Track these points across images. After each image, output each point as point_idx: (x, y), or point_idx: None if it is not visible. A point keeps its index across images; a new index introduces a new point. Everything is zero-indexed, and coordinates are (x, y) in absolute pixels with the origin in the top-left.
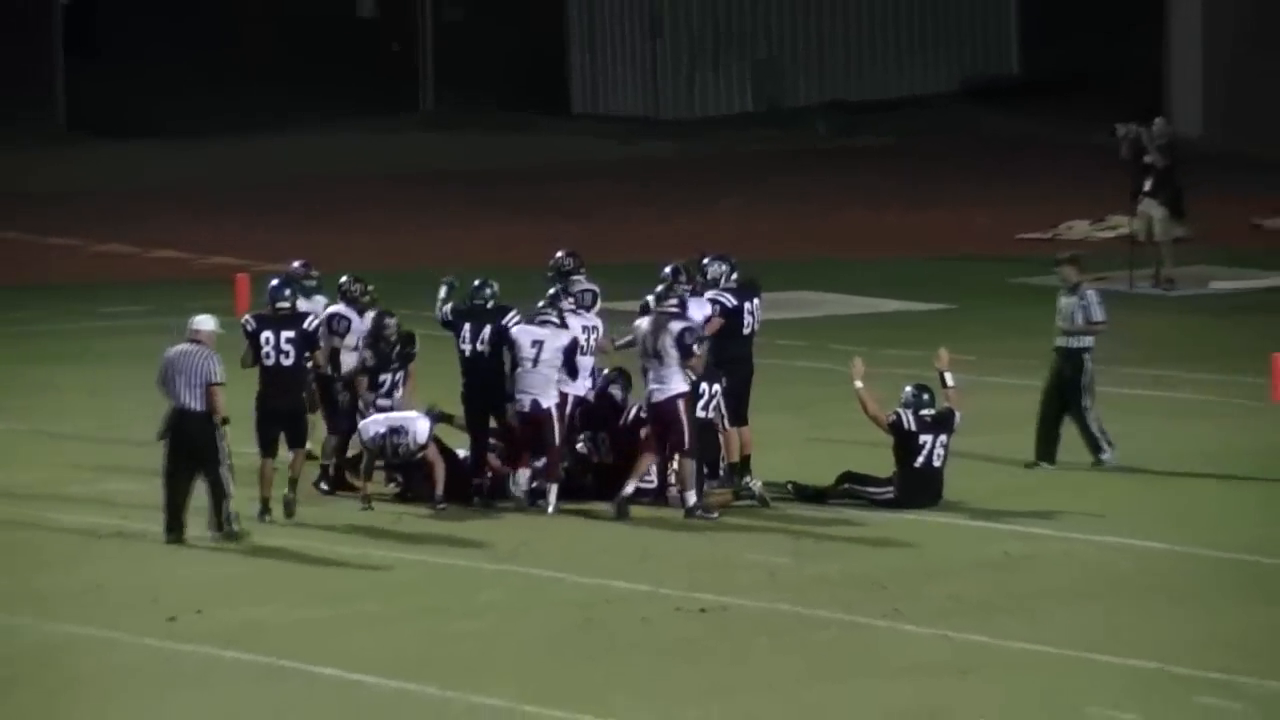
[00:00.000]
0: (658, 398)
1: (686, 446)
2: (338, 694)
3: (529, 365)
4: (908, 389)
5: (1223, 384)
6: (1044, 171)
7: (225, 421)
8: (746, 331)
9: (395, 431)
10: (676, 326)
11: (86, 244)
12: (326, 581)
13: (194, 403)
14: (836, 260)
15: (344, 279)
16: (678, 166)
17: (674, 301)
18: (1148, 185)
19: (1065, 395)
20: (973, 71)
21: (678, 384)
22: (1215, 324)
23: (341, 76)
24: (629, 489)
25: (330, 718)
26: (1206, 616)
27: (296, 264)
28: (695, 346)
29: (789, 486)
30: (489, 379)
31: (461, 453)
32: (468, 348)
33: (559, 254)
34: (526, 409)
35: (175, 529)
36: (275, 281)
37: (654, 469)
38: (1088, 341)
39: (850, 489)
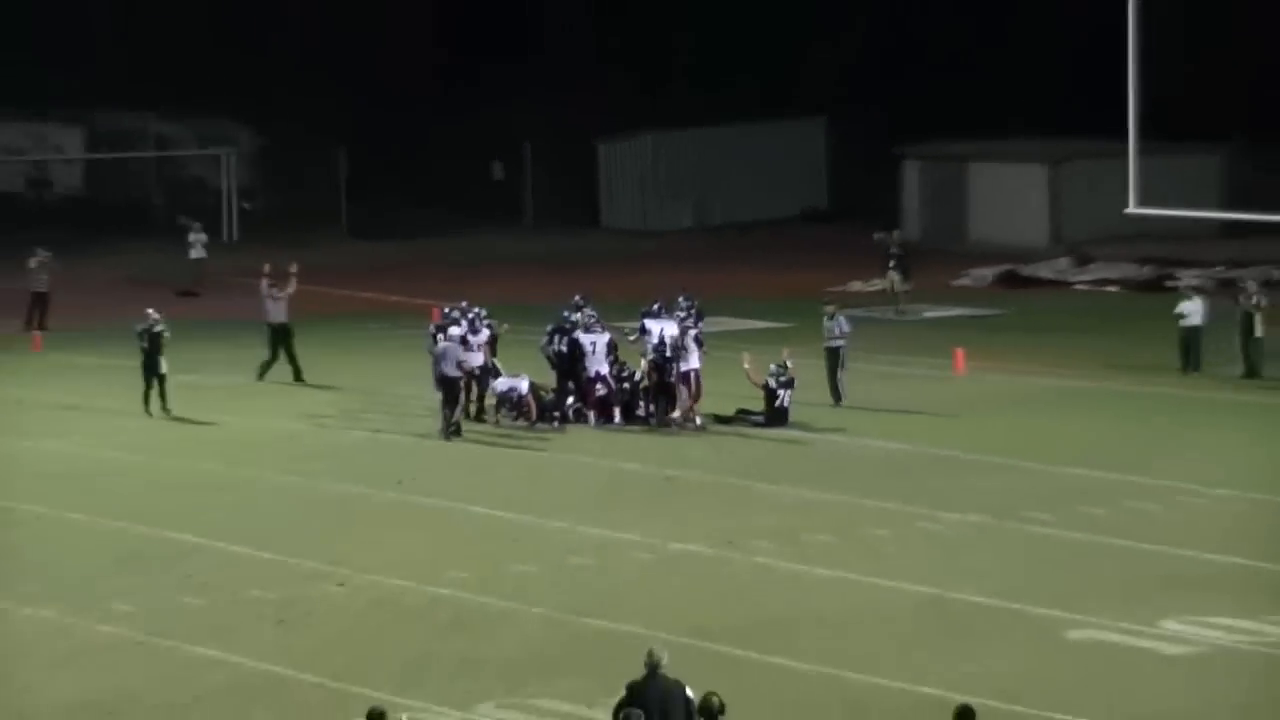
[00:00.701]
0: (684, 368)
1: (690, 394)
2: (466, 518)
3: (591, 354)
4: (772, 366)
5: (929, 363)
6: (839, 255)
7: (473, 375)
8: None
9: (512, 389)
10: (693, 332)
11: (357, 293)
12: (473, 461)
13: (453, 371)
14: (734, 299)
15: (473, 313)
16: (653, 255)
17: (690, 320)
18: (892, 263)
19: (833, 369)
20: (803, 203)
21: (694, 362)
22: (926, 333)
23: (483, 205)
24: (676, 415)
25: (473, 532)
26: (914, 477)
27: (464, 302)
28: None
29: (712, 416)
30: (568, 364)
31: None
32: (553, 348)
33: (576, 296)
34: (593, 375)
35: (453, 433)
36: (445, 310)
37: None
38: (841, 342)
39: (742, 417)
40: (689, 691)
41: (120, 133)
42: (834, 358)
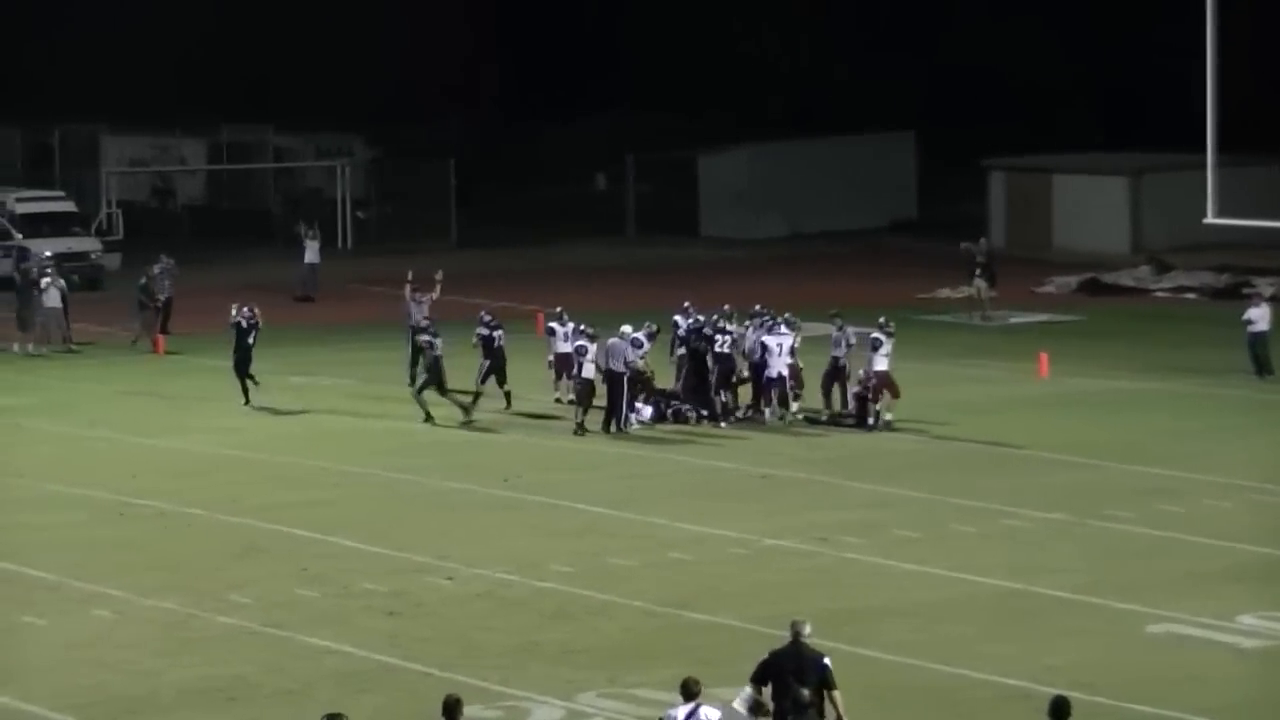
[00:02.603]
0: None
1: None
2: (569, 514)
3: (777, 354)
4: (860, 371)
5: (1013, 367)
6: (929, 265)
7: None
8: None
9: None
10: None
11: (466, 299)
12: (575, 459)
13: (620, 367)
14: (826, 306)
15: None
16: (751, 261)
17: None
18: (978, 271)
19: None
20: (893, 214)
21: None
22: (1011, 338)
23: (589, 216)
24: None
25: (575, 527)
26: (997, 475)
27: (558, 309)
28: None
29: (804, 418)
30: (699, 362)
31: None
32: (685, 348)
33: (685, 304)
34: (775, 375)
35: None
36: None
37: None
38: (841, 352)
39: (836, 419)
40: (826, 661)
41: (241, 145)
42: (834, 368)
